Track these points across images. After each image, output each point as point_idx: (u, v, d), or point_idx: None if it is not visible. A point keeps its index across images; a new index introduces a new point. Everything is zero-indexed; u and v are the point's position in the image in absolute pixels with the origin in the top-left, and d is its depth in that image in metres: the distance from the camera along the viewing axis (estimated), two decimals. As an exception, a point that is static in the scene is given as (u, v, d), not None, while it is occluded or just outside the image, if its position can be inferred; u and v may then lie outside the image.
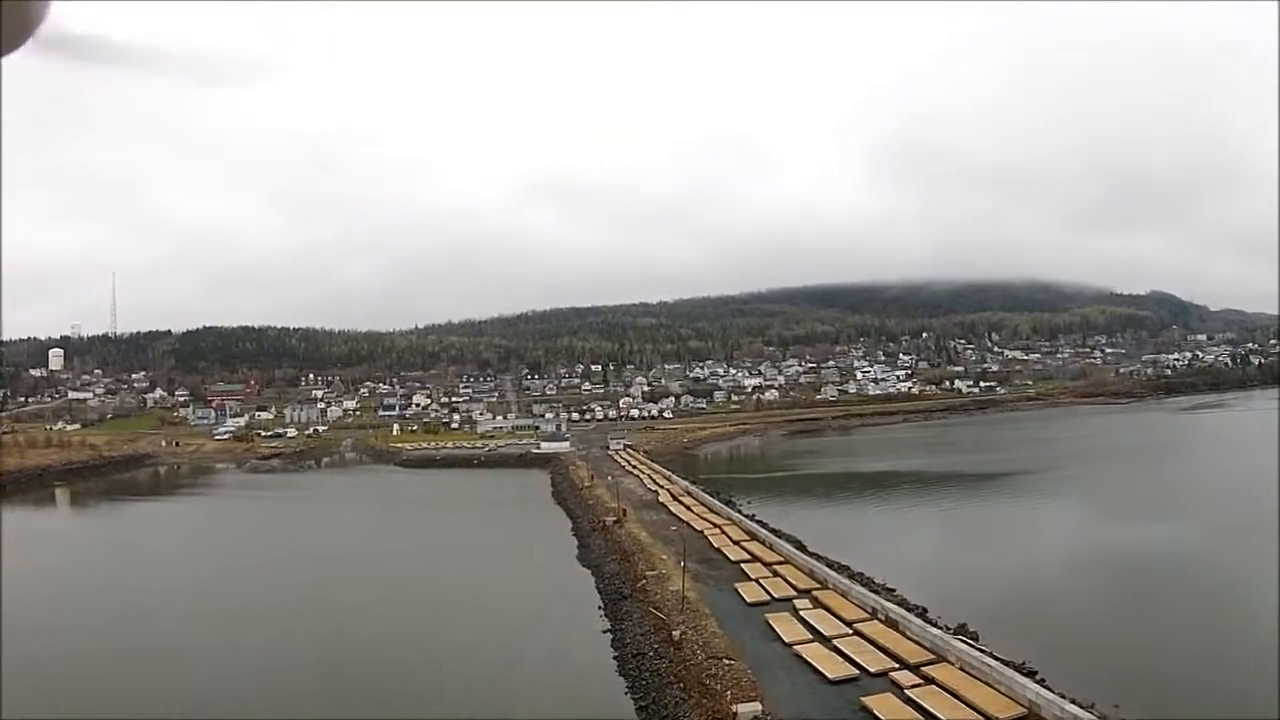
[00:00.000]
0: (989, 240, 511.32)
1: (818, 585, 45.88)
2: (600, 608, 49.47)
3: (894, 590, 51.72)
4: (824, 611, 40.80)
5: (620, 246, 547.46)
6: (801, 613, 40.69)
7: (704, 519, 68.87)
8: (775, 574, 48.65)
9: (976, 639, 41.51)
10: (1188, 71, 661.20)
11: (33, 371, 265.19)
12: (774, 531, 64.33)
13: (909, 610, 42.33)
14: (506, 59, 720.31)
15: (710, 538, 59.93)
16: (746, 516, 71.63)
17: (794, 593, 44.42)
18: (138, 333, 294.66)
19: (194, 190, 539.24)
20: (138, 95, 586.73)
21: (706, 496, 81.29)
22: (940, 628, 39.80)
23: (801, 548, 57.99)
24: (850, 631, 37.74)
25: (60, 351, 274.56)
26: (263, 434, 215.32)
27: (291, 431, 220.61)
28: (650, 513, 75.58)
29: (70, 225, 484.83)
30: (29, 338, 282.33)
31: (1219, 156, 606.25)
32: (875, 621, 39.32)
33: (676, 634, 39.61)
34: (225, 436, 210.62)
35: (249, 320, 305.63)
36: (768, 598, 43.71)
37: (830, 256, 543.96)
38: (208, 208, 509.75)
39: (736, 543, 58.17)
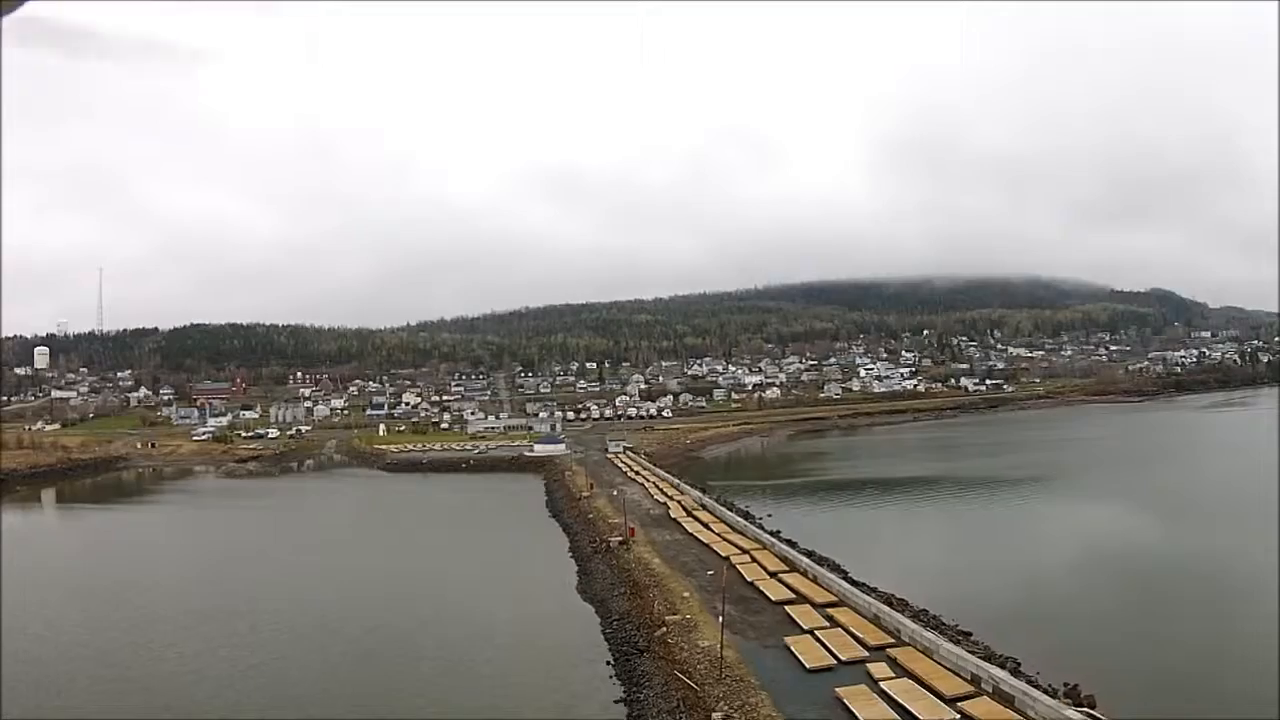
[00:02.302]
0: (988, 237, 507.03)
1: (891, 640, 35.60)
2: (610, 664, 39.07)
3: (970, 634, 42.51)
4: (911, 682, 30.56)
5: (615, 242, 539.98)
6: (882, 684, 30.43)
7: (727, 541, 58.46)
8: (832, 621, 38.26)
9: (1094, 706, 32.25)
10: (1190, 69, 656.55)
11: (17, 370, 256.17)
12: (808, 554, 54.44)
13: (1004, 668, 32.68)
14: (500, 53, 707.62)
15: (741, 568, 49.34)
16: (773, 534, 61.72)
17: (864, 652, 33.92)
18: (124, 330, 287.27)
19: (182, 185, 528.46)
20: (125, 88, 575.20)
21: (725, 511, 70.90)
22: (1063, 699, 30.27)
23: (847, 577, 48.24)
24: (957, 716, 27.84)
25: (45, 349, 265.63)
26: (243, 435, 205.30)
27: (274, 432, 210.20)
28: (662, 531, 65.40)
29: (56, 220, 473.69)
30: (14, 336, 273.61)
31: (1220, 154, 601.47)
32: (984, 698, 29.30)
33: (717, 717, 29.70)
34: (204, 437, 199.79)
35: (237, 317, 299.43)
36: (832, 661, 33.23)
37: (828, 252, 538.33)
38: (196, 203, 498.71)
39: (774, 575, 47.72)
